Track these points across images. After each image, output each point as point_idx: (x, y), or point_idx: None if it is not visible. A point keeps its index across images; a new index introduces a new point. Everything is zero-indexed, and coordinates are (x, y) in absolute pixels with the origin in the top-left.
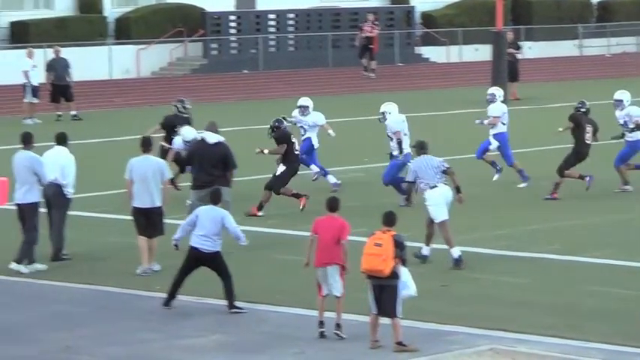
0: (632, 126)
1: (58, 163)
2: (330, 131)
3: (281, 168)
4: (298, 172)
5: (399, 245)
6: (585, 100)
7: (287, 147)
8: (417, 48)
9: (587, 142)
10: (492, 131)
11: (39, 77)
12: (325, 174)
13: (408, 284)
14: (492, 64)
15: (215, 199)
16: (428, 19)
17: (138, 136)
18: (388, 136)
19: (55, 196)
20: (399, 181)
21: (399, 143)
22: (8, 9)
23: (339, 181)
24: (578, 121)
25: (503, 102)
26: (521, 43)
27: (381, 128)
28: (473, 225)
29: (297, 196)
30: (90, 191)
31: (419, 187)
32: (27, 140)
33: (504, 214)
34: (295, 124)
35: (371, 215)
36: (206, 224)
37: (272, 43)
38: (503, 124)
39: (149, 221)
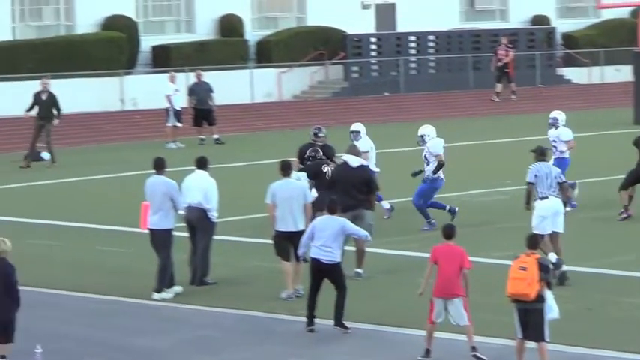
0: None
1: (201, 188)
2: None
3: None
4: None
5: (543, 268)
6: None
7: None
8: (559, 69)
9: None
10: (556, 155)
11: (181, 101)
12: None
13: (552, 307)
14: (634, 85)
15: (332, 209)
16: (569, 39)
17: (279, 160)
18: (425, 158)
19: (200, 220)
20: (428, 206)
21: (439, 167)
22: (150, 33)
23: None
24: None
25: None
26: None
27: (523, 150)
28: (610, 248)
29: None
30: (232, 215)
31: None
32: (160, 165)
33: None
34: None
35: (516, 238)
36: (324, 234)
37: (413, 65)
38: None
39: (293, 245)
